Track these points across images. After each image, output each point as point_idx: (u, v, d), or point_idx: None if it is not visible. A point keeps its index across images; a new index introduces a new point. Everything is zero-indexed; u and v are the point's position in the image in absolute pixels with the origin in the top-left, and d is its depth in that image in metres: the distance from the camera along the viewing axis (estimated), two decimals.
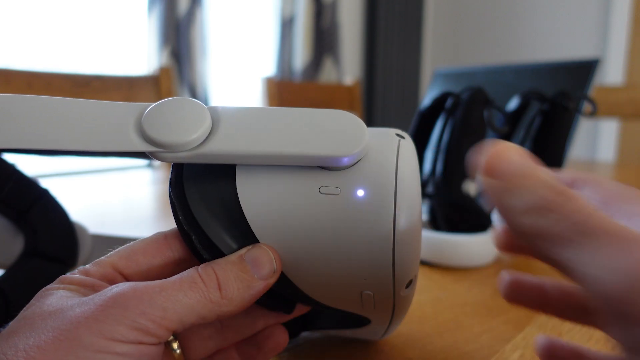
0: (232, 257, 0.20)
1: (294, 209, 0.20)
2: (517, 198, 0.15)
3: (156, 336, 0.17)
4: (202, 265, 0.19)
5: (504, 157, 0.16)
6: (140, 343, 0.17)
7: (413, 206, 0.20)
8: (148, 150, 0.19)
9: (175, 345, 0.22)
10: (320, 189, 0.20)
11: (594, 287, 0.13)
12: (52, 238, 0.30)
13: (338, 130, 0.20)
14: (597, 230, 0.14)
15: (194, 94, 1.73)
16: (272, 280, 0.20)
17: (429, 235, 0.44)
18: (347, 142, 0.20)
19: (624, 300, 0.13)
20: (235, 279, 0.19)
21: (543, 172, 0.16)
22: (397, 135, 0.23)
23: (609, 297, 0.13)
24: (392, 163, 0.21)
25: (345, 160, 0.20)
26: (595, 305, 0.14)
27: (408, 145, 0.22)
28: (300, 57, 2.04)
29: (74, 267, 0.31)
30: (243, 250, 0.20)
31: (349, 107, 1.57)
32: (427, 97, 0.92)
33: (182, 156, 0.19)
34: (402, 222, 0.20)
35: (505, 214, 0.16)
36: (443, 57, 2.71)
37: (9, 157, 0.30)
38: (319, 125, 0.20)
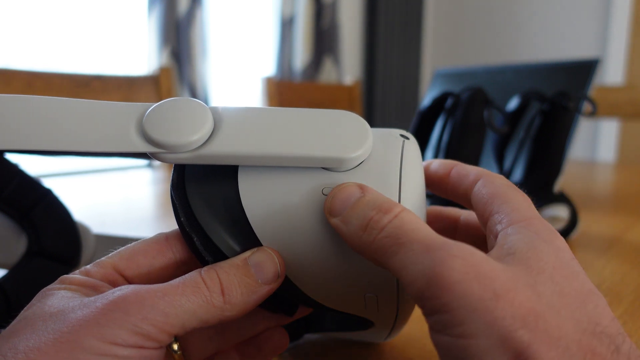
0: (236, 260, 0.20)
1: (296, 210, 0.20)
2: (349, 223, 0.18)
3: (157, 341, 0.17)
4: (205, 269, 0.19)
5: (337, 196, 0.19)
6: (142, 347, 0.17)
7: (417, 207, 0.20)
8: (149, 151, 0.19)
9: (175, 346, 0.22)
10: (324, 190, 0.20)
11: (407, 287, 0.17)
12: (55, 238, 0.30)
13: (341, 131, 0.20)
14: (407, 240, 0.17)
15: (194, 94, 1.73)
16: (276, 285, 0.20)
17: None
18: (351, 143, 0.20)
19: (423, 297, 0.16)
20: (239, 284, 0.19)
21: (371, 195, 0.19)
22: (402, 136, 0.23)
23: (414, 295, 0.16)
24: (396, 164, 0.21)
25: (349, 162, 0.20)
26: (414, 300, 0.17)
27: (412, 146, 0.22)
28: (300, 57, 2.04)
29: (77, 267, 0.31)
30: (247, 254, 0.20)
31: (349, 107, 1.57)
32: (427, 97, 0.92)
33: (184, 157, 0.19)
34: None
35: (348, 242, 0.19)
36: (443, 57, 2.71)
37: (12, 157, 0.30)
38: (322, 125, 0.20)
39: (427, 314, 0.16)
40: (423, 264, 0.16)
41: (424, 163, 0.24)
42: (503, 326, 0.14)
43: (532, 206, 0.19)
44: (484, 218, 0.20)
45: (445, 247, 0.16)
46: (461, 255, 0.16)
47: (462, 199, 0.23)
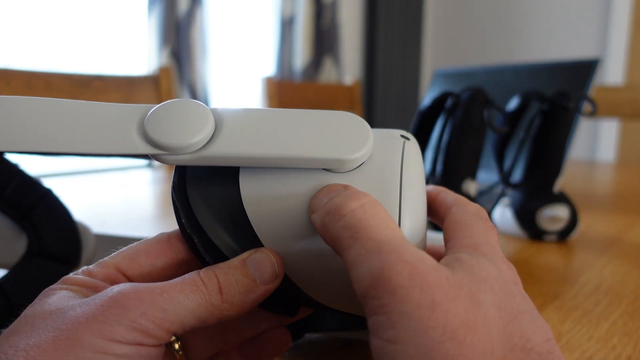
0: (234, 261, 0.20)
1: (298, 211, 0.20)
2: (320, 214, 0.19)
3: (156, 337, 0.17)
4: (204, 269, 0.19)
5: (319, 194, 0.20)
6: (140, 344, 0.17)
7: (418, 208, 0.20)
8: (151, 153, 0.19)
9: (177, 346, 0.22)
10: None
11: (354, 284, 0.17)
12: (55, 238, 0.30)
13: (342, 132, 0.20)
14: (363, 236, 0.17)
15: (194, 94, 1.73)
16: (274, 285, 0.20)
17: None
18: (351, 144, 0.20)
19: (367, 296, 0.16)
20: (236, 283, 0.19)
21: (350, 189, 0.19)
22: (402, 136, 0.23)
23: (359, 293, 0.16)
24: (396, 165, 0.21)
25: (349, 163, 0.20)
26: (359, 298, 0.17)
27: (413, 147, 0.22)
28: (300, 57, 2.04)
29: (78, 266, 0.31)
30: (245, 255, 0.20)
31: (349, 107, 1.57)
32: (427, 97, 0.92)
33: (185, 159, 0.19)
34: (407, 224, 0.20)
35: (319, 232, 0.19)
36: (443, 57, 2.71)
37: (12, 157, 0.30)
38: (323, 127, 0.20)
39: (368, 314, 0.16)
40: (373, 264, 0.16)
41: None
42: (432, 336, 0.14)
43: (491, 235, 0.20)
44: (445, 242, 0.20)
45: (399, 251, 0.16)
46: (411, 262, 0.16)
47: (442, 225, 0.23)
